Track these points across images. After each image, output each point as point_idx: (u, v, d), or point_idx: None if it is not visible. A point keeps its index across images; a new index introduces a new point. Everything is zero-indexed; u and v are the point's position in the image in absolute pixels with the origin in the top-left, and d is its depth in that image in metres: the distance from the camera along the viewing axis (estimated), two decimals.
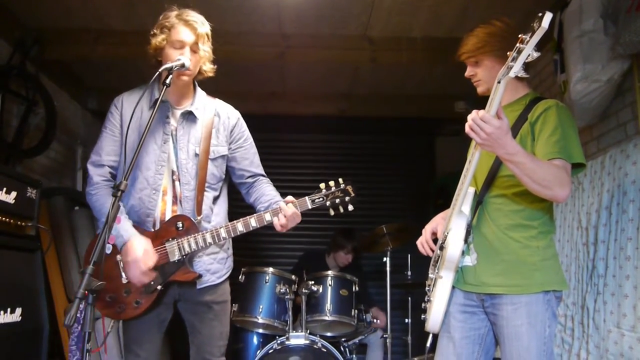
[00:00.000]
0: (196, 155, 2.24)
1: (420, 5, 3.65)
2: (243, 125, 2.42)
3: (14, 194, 2.90)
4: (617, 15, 2.77)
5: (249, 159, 2.41)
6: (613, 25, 2.82)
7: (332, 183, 2.21)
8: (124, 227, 2.11)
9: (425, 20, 3.86)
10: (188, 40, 2.14)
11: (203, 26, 2.19)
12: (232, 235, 2.22)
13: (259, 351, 3.46)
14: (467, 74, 2.08)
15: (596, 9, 2.85)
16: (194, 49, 2.16)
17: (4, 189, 2.83)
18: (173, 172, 2.23)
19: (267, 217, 2.19)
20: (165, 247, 2.17)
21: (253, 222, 2.20)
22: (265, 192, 2.37)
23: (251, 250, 5.23)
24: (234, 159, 2.38)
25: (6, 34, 3.77)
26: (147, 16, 3.77)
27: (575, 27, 2.93)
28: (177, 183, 2.23)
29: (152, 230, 2.20)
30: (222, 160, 2.34)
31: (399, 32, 4.05)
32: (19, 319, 2.85)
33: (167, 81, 2.03)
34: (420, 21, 3.88)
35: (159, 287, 2.15)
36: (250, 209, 2.39)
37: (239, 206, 2.58)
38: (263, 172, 2.46)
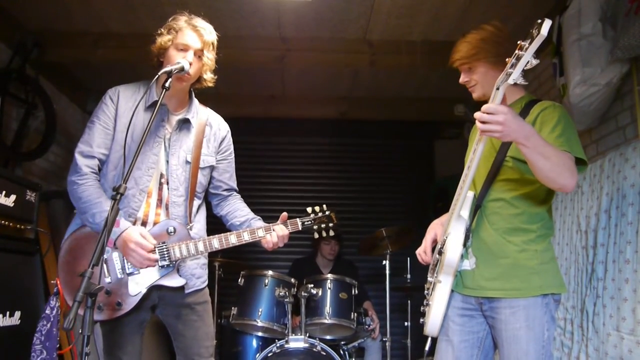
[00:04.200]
0: (187, 162, 2.26)
1: (420, 8, 3.66)
2: (231, 139, 2.48)
3: (13, 197, 2.91)
4: (616, 18, 2.77)
5: (230, 172, 2.48)
6: (612, 29, 2.82)
7: (317, 208, 2.33)
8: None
9: (424, 24, 3.87)
10: (194, 45, 2.15)
11: (210, 34, 2.21)
12: (224, 247, 2.21)
13: (258, 354, 3.46)
14: (461, 80, 2.09)
15: (595, 13, 2.86)
16: (198, 55, 2.18)
17: (3, 192, 2.83)
18: (162, 175, 2.23)
19: (260, 232, 2.23)
20: (155, 250, 2.14)
21: (246, 236, 2.22)
22: (240, 208, 2.45)
23: (249, 253, 5.23)
24: (216, 170, 2.42)
25: (6, 37, 3.78)
26: (147, 19, 3.79)
27: (574, 30, 2.93)
28: (164, 187, 2.23)
29: None
30: (209, 170, 2.38)
31: (399, 36, 4.06)
32: (18, 322, 2.84)
33: (167, 84, 2.03)
34: (419, 24, 3.89)
35: (144, 290, 2.13)
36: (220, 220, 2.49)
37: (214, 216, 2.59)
38: (237, 188, 2.53)
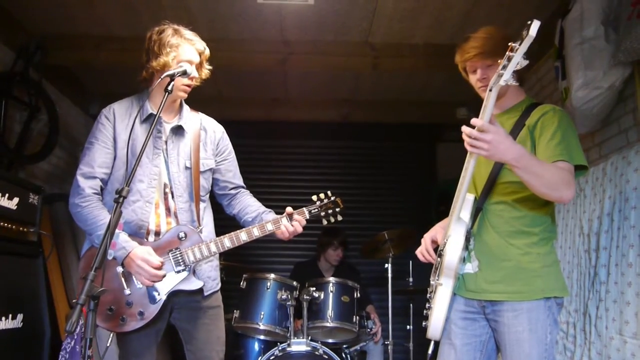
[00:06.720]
0: (187, 168, 2.29)
1: (422, 11, 3.66)
2: (227, 139, 2.50)
3: (16, 199, 2.91)
4: (618, 22, 2.77)
5: (232, 171, 2.50)
6: (614, 32, 2.82)
7: (322, 195, 2.37)
8: (124, 239, 2.10)
9: (426, 27, 3.87)
10: (195, 60, 2.25)
11: (204, 46, 2.31)
12: (236, 245, 2.24)
13: (260, 358, 3.45)
14: (479, 76, 1.98)
15: (597, 16, 2.86)
16: (198, 68, 2.28)
17: (6, 195, 2.84)
18: (165, 185, 2.26)
19: (269, 226, 2.26)
20: (169, 257, 2.18)
21: (256, 231, 2.25)
22: (250, 203, 2.47)
23: (250, 256, 5.23)
24: (218, 171, 2.45)
25: (9, 41, 3.79)
26: (149, 22, 3.74)
27: (577, 34, 2.93)
28: (169, 196, 2.26)
29: (147, 240, 2.21)
30: (210, 172, 2.41)
31: (401, 39, 4.06)
32: (20, 324, 2.85)
33: (169, 88, 2.05)
34: (421, 27, 3.89)
35: (164, 297, 2.16)
36: (232, 220, 2.50)
37: (221, 218, 2.59)
38: (244, 184, 2.55)
